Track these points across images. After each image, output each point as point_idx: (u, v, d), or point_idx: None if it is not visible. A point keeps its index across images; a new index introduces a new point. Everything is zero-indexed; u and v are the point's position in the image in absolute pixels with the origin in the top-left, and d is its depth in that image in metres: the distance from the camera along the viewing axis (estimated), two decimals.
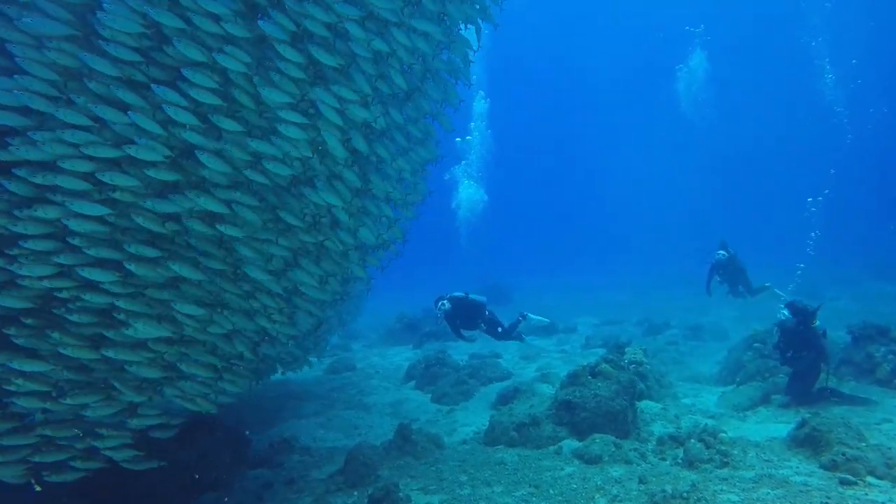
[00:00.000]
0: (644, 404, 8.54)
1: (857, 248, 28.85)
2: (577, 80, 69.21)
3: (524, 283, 31.61)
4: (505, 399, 9.50)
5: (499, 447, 7.57)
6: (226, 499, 6.51)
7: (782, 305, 8.87)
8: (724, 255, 13.58)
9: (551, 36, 64.06)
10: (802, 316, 8.58)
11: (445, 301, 10.27)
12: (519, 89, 62.67)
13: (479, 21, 7.52)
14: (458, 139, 22.67)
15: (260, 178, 5.62)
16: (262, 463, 7.59)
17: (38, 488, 5.51)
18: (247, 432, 7.81)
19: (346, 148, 6.17)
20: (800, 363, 8.50)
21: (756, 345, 10.08)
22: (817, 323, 8.53)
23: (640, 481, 5.93)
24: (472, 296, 10.57)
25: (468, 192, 25.21)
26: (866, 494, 5.29)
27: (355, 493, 6.39)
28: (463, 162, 23.84)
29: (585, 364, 8.19)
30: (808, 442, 6.46)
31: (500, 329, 10.71)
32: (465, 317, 10.49)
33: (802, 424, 6.69)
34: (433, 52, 7.03)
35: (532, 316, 11.47)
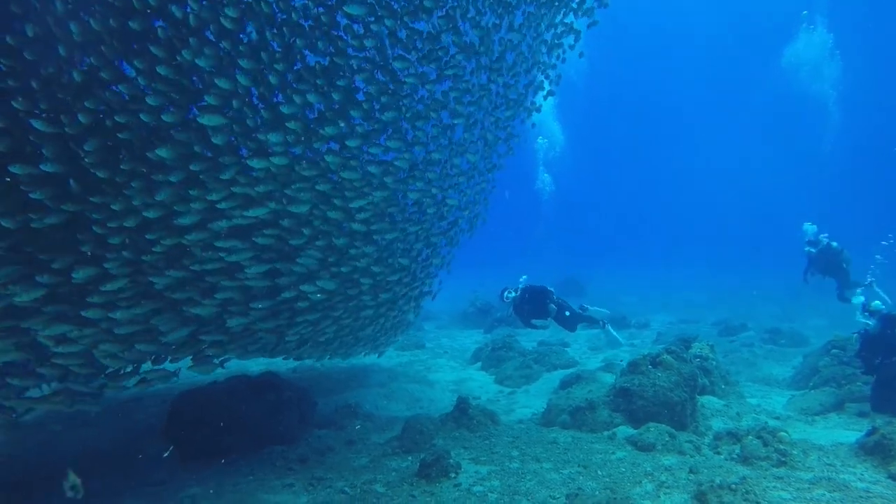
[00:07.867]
0: (706, 399, 8.38)
1: None
2: (667, 65, 66.85)
3: (600, 277, 31.18)
4: (566, 385, 9.49)
5: (553, 428, 7.68)
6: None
7: (865, 313, 8.46)
8: (812, 250, 12.91)
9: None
10: (890, 322, 8.18)
11: (511, 291, 10.40)
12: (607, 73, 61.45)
13: None
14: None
15: None
16: (327, 424, 8.06)
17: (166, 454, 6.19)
18: (314, 396, 8.28)
19: None
20: (889, 370, 8.03)
21: (834, 350, 9.57)
22: None
23: (691, 471, 5.88)
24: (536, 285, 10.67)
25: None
26: None
27: (409, 457, 6.70)
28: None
29: (646, 353, 8.13)
30: (877, 450, 6.18)
31: (567, 313, 10.70)
32: (534, 305, 10.56)
33: (873, 432, 6.41)
34: None
35: (592, 308, 11.32)
